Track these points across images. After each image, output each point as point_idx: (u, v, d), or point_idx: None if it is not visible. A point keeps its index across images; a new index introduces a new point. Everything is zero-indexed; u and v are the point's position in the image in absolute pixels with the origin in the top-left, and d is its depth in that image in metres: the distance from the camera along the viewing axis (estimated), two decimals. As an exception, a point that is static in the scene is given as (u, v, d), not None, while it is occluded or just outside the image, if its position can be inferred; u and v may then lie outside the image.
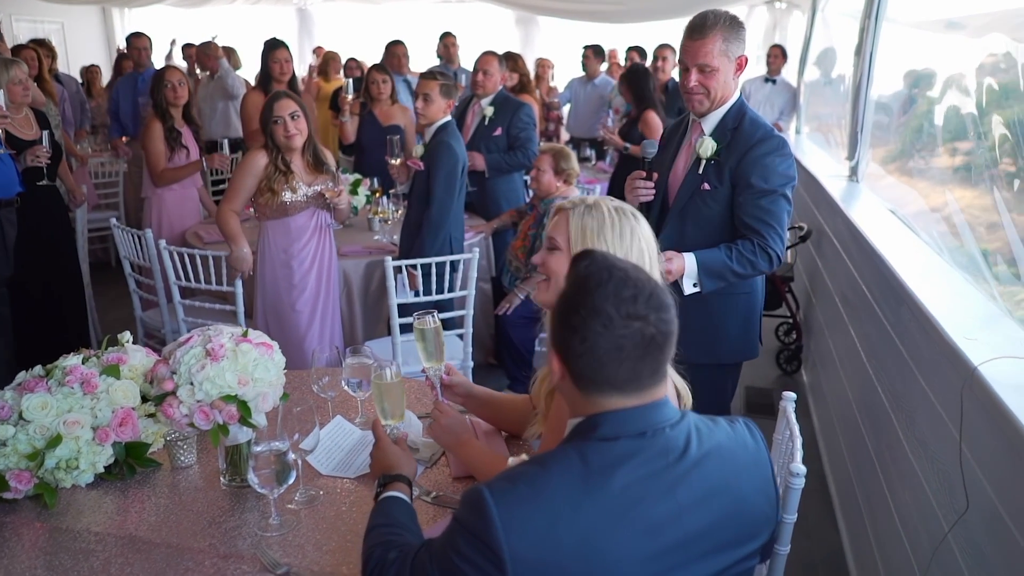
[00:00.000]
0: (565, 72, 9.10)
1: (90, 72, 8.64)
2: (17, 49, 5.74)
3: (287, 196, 3.28)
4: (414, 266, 3.58)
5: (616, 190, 5.40)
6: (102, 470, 1.85)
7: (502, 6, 9.96)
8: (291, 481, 1.67)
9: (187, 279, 3.65)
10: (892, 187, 4.12)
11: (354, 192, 4.37)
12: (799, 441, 1.77)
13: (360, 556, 1.48)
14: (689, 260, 2.44)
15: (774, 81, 7.45)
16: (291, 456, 1.66)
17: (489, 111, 4.75)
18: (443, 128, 3.74)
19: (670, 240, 2.55)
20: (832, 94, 6.57)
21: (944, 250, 2.79)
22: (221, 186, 6.45)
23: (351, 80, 5.41)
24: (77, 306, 4.41)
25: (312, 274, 3.41)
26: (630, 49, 7.64)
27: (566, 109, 8.19)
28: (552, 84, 8.79)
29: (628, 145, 5.45)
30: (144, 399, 1.95)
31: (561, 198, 4.13)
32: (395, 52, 6.58)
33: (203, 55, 6.78)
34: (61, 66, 8.30)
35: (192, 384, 1.71)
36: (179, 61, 8.64)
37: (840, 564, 3.04)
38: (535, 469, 1.24)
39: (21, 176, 3.75)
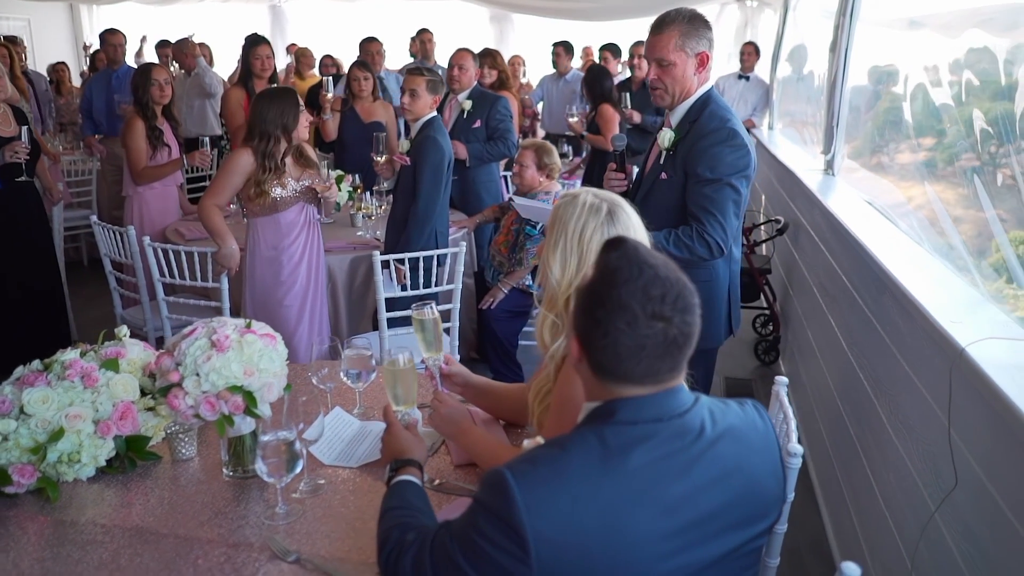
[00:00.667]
0: (539, 69, 9.14)
1: (58, 70, 8.50)
2: (-14, 46, 5.65)
3: (277, 192, 3.28)
4: (401, 261, 3.59)
5: (589, 182, 5.82)
6: (104, 463, 1.84)
7: (477, 3, 9.98)
8: (299, 470, 1.68)
9: (171, 276, 3.63)
10: (866, 180, 4.22)
11: (337, 187, 4.36)
12: (793, 423, 1.82)
13: (372, 541, 1.50)
14: None
15: (747, 78, 7.56)
16: (298, 446, 1.67)
17: (467, 105, 4.84)
18: (429, 123, 3.76)
19: None
20: (804, 90, 6.69)
21: (924, 239, 2.87)
22: (198, 184, 6.40)
23: (330, 78, 5.39)
24: (56, 305, 4.36)
25: (302, 268, 3.42)
26: (603, 48, 7.73)
27: (540, 107, 8.23)
28: (524, 80, 8.83)
29: (585, 133, 5.93)
30: (142, 393, 1.95)
31: (544, 193, 4.19)
32: (369, 49, 6.57)
33: (180, 53, 6.71)
34: (27, 64, 8.17)
35: (198, 375, 1.71)
36: (150, 58, 8.54)
37: (823, 548, 3.12)
38: (555, 451, 1.26)
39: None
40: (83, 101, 6.77)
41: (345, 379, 2.11)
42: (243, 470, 1.86)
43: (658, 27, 2.57)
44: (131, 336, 3.65)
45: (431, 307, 2.04)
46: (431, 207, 3.74)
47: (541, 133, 8.16)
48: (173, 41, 7.05)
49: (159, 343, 3.66)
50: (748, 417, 1.39)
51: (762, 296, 4.95)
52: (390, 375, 1.86)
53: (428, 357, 2.04)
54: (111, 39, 6.49)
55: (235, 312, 3.61)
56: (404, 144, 3.87)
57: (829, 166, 4.50)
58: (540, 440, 1.50)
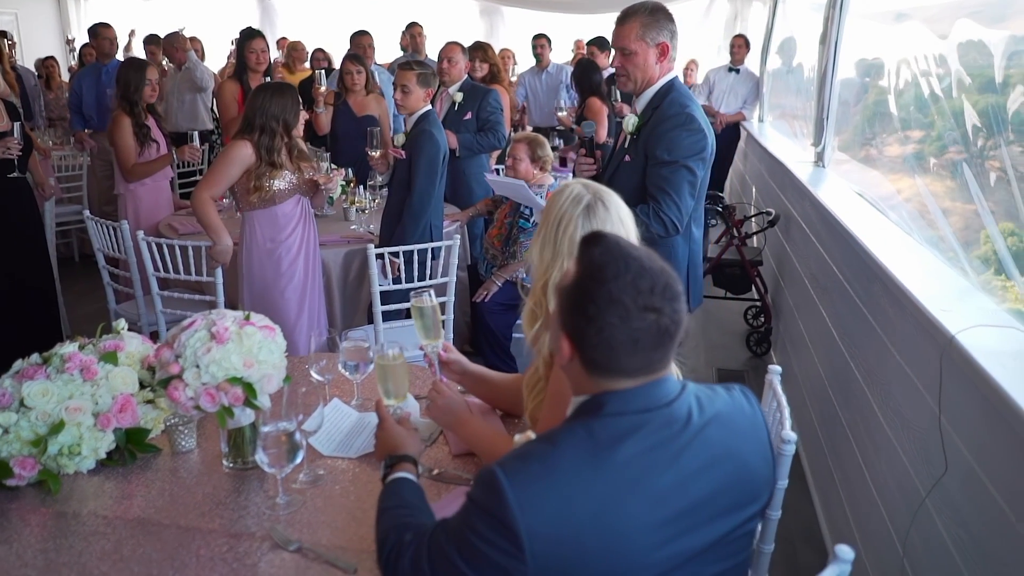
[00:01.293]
0: (528, 63, 9.12)
1: (47, 65, 8.44)
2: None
3: (275, 184, 3.28)
4: (396, 254, 3.60)
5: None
6: (104, 456, 1.85)
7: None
8: (299, 460, 1.70)
9: (165, 270, 3.63)
10: (856, 172, 4.25)
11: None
12: (787, 410, 1.85)
13: (372, 530, 1.52)
14: None
15: (737, 71, 7.58)
16: (298, 436, 1.68)
17: (458, 97, 4.88)
18: (424, 117, 3.77)
19: None
20: (794, 82, 6.72)
21: (913, 230, 2.90)
22: (189, 179, 6.39)
23: (323, 71, 5.39)
24: (49, 300, 4.35)
25: (300, 261, 3.42)
26: (591, 42, 7.72)
27: (524, 104, 8.19)
28: (513, 78, 8.79)
29: (574, 126, 5.87)
30: (141, 386, 1.96)
31: (537, 186, 4.20)
32: (360, 42, 6.54)
33: (170, 47, 6.67)
34: (16, 59, 8.11)
35: (198, 367, 1.72)
36: (138, 52, 8.49)
37: (815, 535, 3.15)
38: (545, 447, 1.27)
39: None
40: (71, 96, 6.71)
41: (343, 371, 2.12)
42: (243, 461, 1.88)
43: (622, 19, 2.74)
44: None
45: (430, 294, 2.06)
46: (426, 200, 3.75)
47: (531, 128, 8.13)
48: (162, 36, 7.00)
49: (153, 338, 3.66)
50: (736, 402, 1.41)
51: (754, 288, 4.99)
52: (380, 370, 1.86)
53: (427, 344, 2.05)
54: (104, 33, 6.43)
55: (230, 307, 3.61)
56: (399, 137, 3.87)
57: (819, 158, 4.53)
58: (531, 435, 1.51)
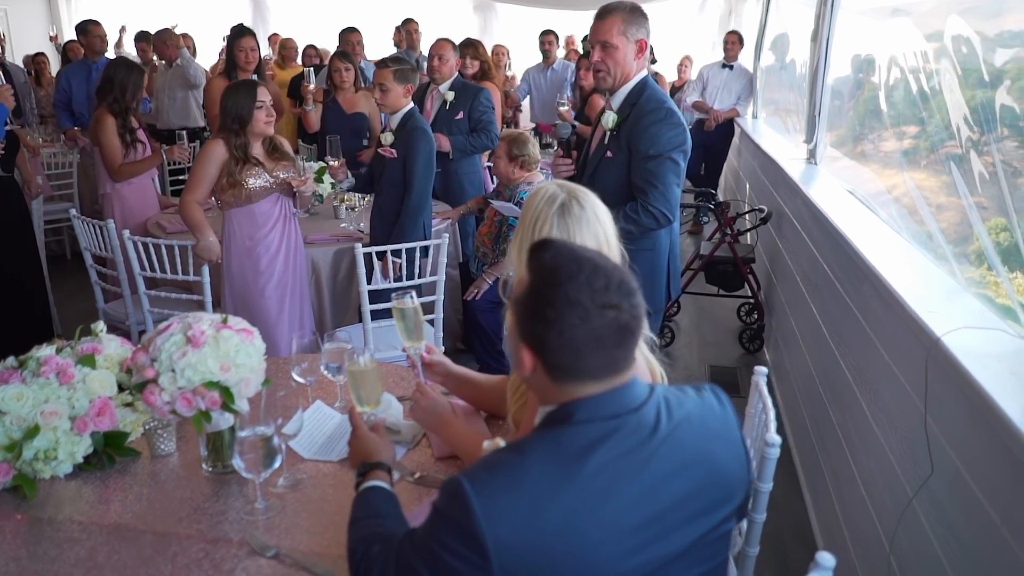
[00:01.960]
0: (523, 59, 9.09)
1: (37, 61, 8.40)
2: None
3: (250, 183, 3.28)
4: (395, 253, 3.58)
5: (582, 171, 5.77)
6: (81, 460, 1.83)
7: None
8: (276, 465, 1.68)
9: (152, 269, 3.61)
10: (848, 168, 4.23)
11: (320, 180, 4.34)
12: (772, 412, 1.83)
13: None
14: None
15: (731, 67, 7.56)
16: (276, 441, 1.66)
17: (449, 96, 4.82)
18: (410, 115, 3.74)
19: None
20: (788, 78, 6.70)
21: (903, 228, 2.89)
22: (180, 176, 6.36)
23: (311, 68, 5.35)
24: (40, 299, 4.32)
25: (279, 260, 3.41)
26: (585, 39, 7.69)
27: (526, 102, 8.16)
28: (510, 74, 8.76)
29: (576, 123, 5.81)
30: (120, 389, 1.94)
31: (526, 184, 4.17)
32: (349, 39, 6.50)
33: (161, 44, 6.62)
34: (5, 56, 8.06)
35: (174, 371, 1.70)
36: (129, 49, 8.44)
37: (806, 533, 3.14)
38: (513, 457, 1.25)
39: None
40: (58, 93, 6.57)
41: (325, 372, 2.10)
42: (223, 465, 1.86)
43: (602, 14, 2.81)
44: (114, 330, 3.65)
45: (411, 296, 2.03)
46: (424, 198, 3.75)
47: (524, 124, 8.11)
48: (153, 32, 6.95)
49: (141, 337, 3.64)
50: (706, 402, 1.39)
51: (746, 285, 4.97)
52: (352, 377, 1.82)
53: (409, 346, 2.03)
54: (96, 30, 6.35)
55: (216, 305, 3.60)
56: (387, 136, 3.85)
57: (812, 155, 4.52)
58: (500, 442, 1.49)
